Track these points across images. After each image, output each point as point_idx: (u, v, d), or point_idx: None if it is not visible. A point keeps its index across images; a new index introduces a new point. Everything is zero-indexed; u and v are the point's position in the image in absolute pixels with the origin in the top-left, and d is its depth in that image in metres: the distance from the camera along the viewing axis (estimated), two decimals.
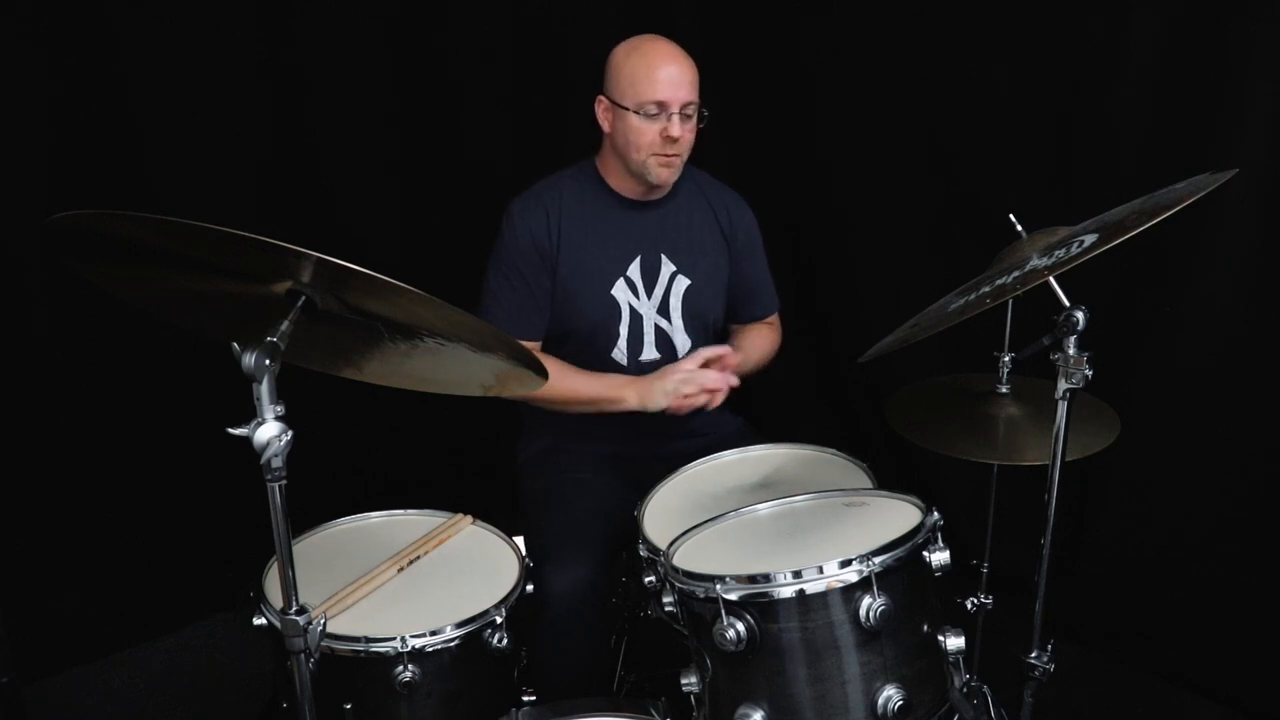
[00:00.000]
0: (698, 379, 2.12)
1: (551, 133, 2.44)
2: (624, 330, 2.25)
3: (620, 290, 2.24)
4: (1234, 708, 2.45)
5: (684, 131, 2.13)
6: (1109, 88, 2.40)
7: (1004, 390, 1.96)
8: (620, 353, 2.26)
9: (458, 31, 2.93)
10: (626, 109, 2.13)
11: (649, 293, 2.26)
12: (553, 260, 2.21)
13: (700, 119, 2.17)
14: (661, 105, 2.11)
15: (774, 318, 2.51)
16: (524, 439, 2.39)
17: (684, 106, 2.12)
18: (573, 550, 1.99)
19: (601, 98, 2.20)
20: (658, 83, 2.11)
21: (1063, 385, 1.61)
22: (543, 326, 2.25)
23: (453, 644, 1.72)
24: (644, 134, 2.13)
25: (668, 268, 2.27)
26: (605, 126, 2.21)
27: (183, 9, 2.56)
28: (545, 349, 2.26)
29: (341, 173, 2.90)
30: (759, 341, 2.44)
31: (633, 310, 2.25)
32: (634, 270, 2.25)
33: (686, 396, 2.12)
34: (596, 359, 2.25)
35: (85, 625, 2.73)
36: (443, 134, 2.99)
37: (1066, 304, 1.60)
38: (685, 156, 2.19)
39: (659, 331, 2.27)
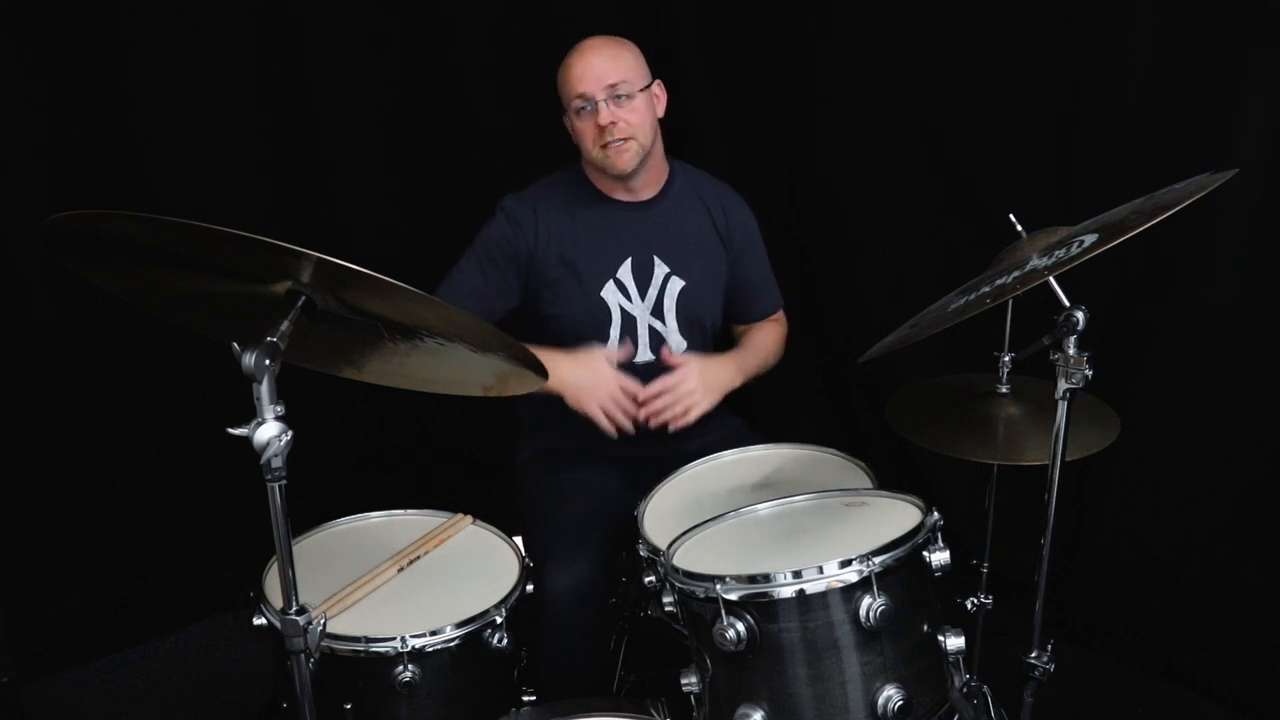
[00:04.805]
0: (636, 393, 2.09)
1: (552, 133, 2.44)
2: (615, 333, 2.24)
3: (610, 292, 2.24)
4: (1234, 708, 2.44)
5: (620, 115, 2.13)
6: (1109, 88, 2.40)
7: (1004, 390, 1.96)
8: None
9: (459, 31, 2.93)
10: (569, 114, 2.18)
11: (642, 295, 2.26)
12: (525, 263, 2.21)
13: (637, 93, 2.14)
14: (584, 98, 2.13)
15: (779, 314, 2.50)
16: (522, 439, 2.39)
17: (610, 90, 2.12)
18: (572, 550, 1.99)
19: (564, 115, 2.23)
20: (573, 79, 2.15)
21: (1063, 385, 1.60)
22: (494, 317, 2.22)
23: (453, 644, 1.72)
24: (585, 131, 2.16)
25: (661, 269, 2.26)
26: (574, 139, 2.23)
27: (183, 10, 2.56)
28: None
29: (341, 173, 2.90)
30: (767, 339, 2.42)
31: (624, 312, 2.24)
32: (624, 272, 2.24)
33: (655, 412, 2.09)
34: None
35: (85, 625, 2.73)
36: (443, 134, 2.99)
37: (1066, 304, 1.60)
38: (641, 139, 2.16)
39: (653, 333, 2.27)
